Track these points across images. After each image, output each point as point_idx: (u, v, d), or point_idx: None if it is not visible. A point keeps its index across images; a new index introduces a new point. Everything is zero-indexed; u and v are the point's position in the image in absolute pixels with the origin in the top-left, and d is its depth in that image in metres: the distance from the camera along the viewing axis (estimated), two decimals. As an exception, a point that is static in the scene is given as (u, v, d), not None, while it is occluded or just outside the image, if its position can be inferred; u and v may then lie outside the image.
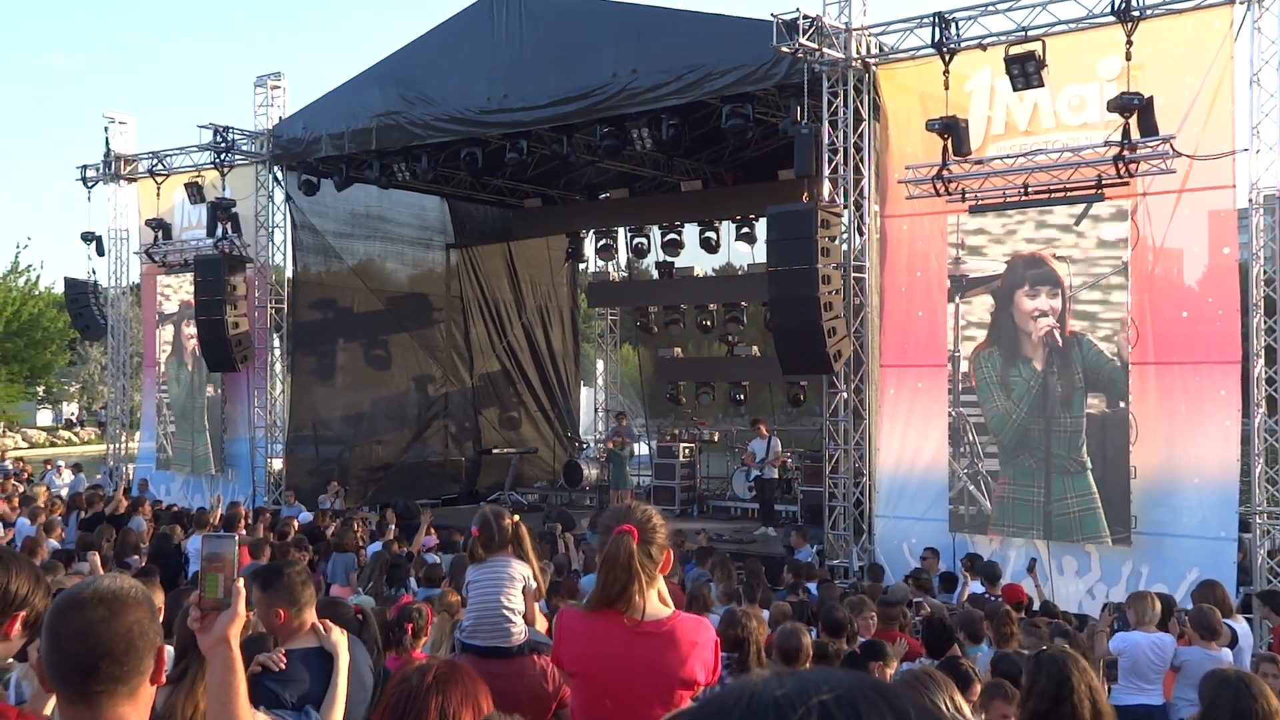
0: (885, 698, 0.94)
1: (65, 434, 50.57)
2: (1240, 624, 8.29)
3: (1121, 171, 11.65)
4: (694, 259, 22.32)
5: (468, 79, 16.88)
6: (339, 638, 3.73)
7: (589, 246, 23.79)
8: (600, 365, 27.15)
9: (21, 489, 18.49)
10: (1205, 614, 7.38)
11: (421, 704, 2.53)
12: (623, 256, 23.62)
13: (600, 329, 27.03)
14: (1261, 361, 11.52)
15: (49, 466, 23.78)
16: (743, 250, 21.13)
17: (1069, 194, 12.24)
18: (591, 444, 24.59)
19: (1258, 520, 11.43)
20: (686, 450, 20.17)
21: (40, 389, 51.96)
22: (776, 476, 17.65)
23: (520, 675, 4.94)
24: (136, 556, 11.45)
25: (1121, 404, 11.90)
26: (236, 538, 2.70)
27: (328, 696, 3.65)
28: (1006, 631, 7.14)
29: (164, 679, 2.36)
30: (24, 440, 46.15)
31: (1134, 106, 11.27)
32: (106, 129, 21.24)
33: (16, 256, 50.29)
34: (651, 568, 3.39)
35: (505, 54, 16.50)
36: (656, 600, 3.41)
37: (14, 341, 43.53)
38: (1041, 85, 11.99)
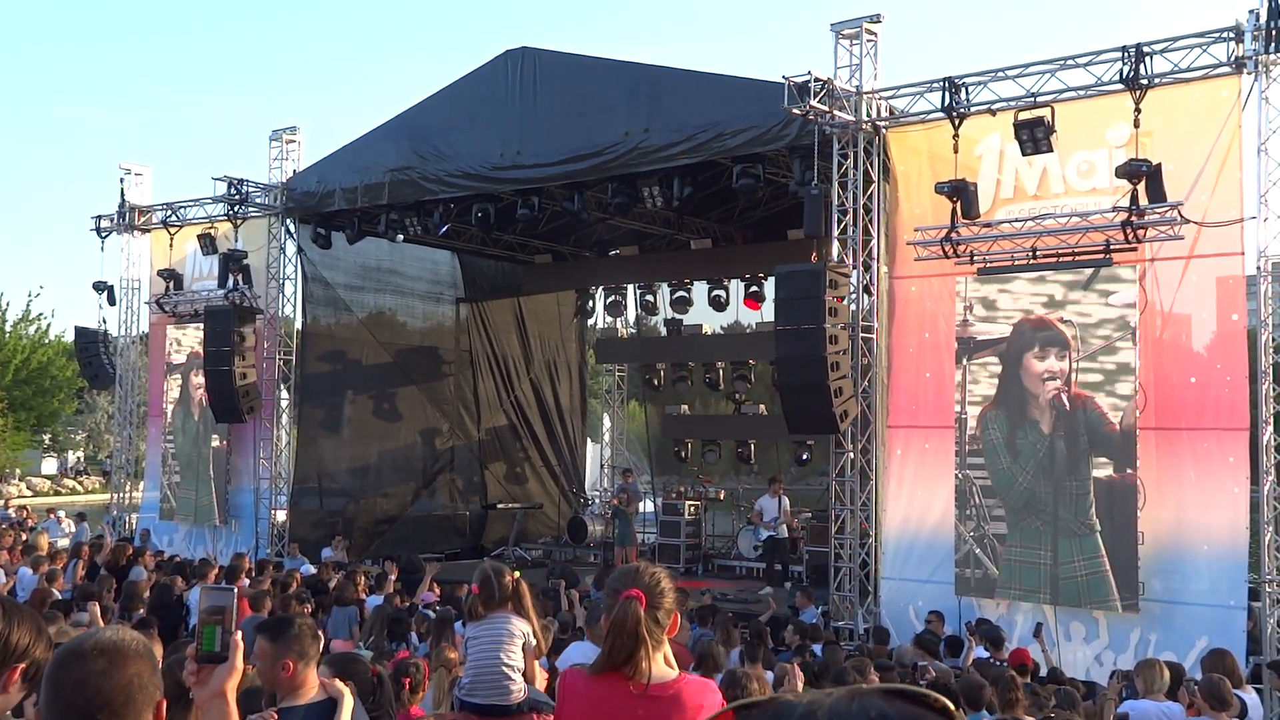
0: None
1: (70, 482, 50.51)
2: (1250, 694, 8.18)
3: (1130, 237, 11.68)
4: (702, 317, 22.39)
5: (481, 135, 17.04)
6: (342, 686, 3.69)
7: (598, 302, 23.88)
8: (607, 421, 27.14)
9: (25, 537, 18.43)
10: (1215, 684, 7.28)
11: None
12: (631, 313, 23.70)
13: (608, 385, 27.04)
14: (1270, 429, 11.45)
15: (51, 515, 23.72)
16: (751, 309, 21.20)
17: (1077, 258, 12.28)
18: (597, 500, 24.51)
19: (1267, 589, 11.31)
20: (692, 508, 20.09)
21: (46, 437, 51.99)
22: (787, 536, 17.52)
23: (520, 734, 4.88)
24: (141, 610, 11.38)
25: (1129, 469, 11.83)
26: (236, 590, 2.69)
27: None
28: (1011, 698, 7.04)
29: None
30: (28, 488, 46.08)
31: (1142, 173, 11.33)
32: (122, 180, 21.44)
33: (28, 305, 50.60)
34: (658, 632, 3.36)
35: (519, 111, 16.68)
36: (662, 663, 3.38)
37: (22, 389, 43.64)
38: (1050, 150, 12.07)
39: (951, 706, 0.92)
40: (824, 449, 15.90)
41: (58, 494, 46.03)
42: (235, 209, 19.22)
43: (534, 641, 5.20)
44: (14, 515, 23.43)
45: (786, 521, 17.37)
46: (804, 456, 19.94)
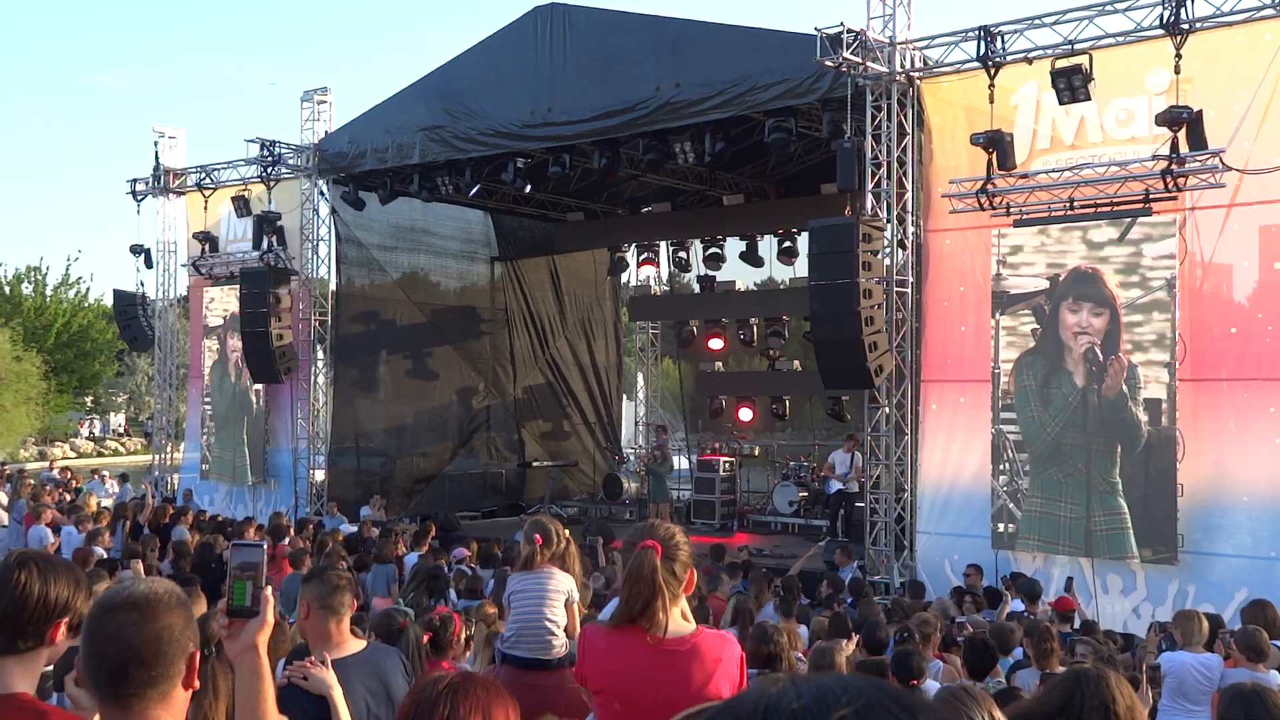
0: (908, 710, 0.90)
1: (112, 443, 51.25)
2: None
3: (1170, 186, 11.51)
4: (735, 273, 22.31)
5: (511, 93, 16.97)
6: (325, 675, 3.70)
7: (631, 260, 23.84)
8: (640, 379, 27.17)
9: (70, 498, 18.75)
10: (1251, 635, 7.23)
11: (427, 712, 2.53)
12: (665, 270, 23.63)
13: (641, 342, 27.05)
14: (1313, 379, 11.31)
15: (95, 476, 24.07)
16: (784, 264, 21.10)
17: (1115, 208, 12.11)
18: (632, 458, 24.58)
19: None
20: (727, 465, 20.11)
21: (89, 399, 52.72)
22: (857, 491, 17.39)
23: (560, 687, 4.94)
24: (182, 564, 11.57)
25: (1167, 421, 11.73)
26: (265, 545, 2.71)
27: None
28: (1046, 648, 7.02)
29: (196, 683, 2.37)
30: (72, 450, 46.80)
31: (1183, 120, 11.14)
32: (156, 143, 21.56)
33: (67, 269, 51.13)
34: (675, 585, 3.38)
35: (548, 68, 16.59)
36: (679, 617, 3.40)
37: (64, 353, 44.21)
38: (1088, 99, 11.88)
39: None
40: (859, 404, 15.84)
41: (100, 455, 46.74)
42: (268, 171, 19.30)
43: (576, 597, 5.25)
44: (58, 476, 23.81)
45: (857, 477, 17.29)
46: (841, 413, 19.87)
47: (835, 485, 17.69)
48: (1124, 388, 11.99)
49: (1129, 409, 11.95)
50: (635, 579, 3.35)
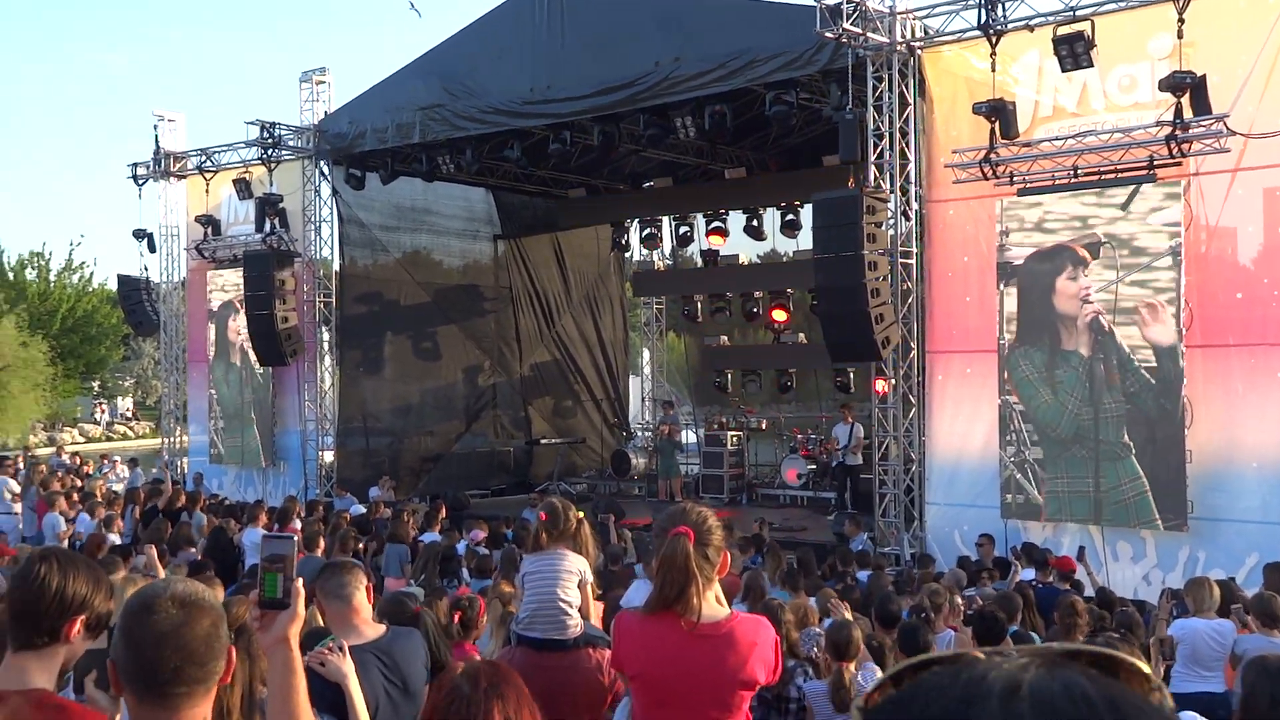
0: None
1: (121, 428, 51.38)
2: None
3: (1174, 151, 11.46)
4: (739, 246, 22.26)
5: (510, 70, 16.92)
6: (341, 663, 3.71)
7: (633, 236, 23.80)
8: (646, 354, 27.16)
9: (80, 484, 18.83)
10: (1266, 601, 7.26)
11: (484, 713, 2.55)
12: (667, 245, 23.60)
13: (645, 318, 27.04)
14: (1320, 342, 11.30)
15: (105, 461, 24.16)
16: (788, 237, 21.07)
17: (1119, 175, 12.07)
18: (639, 433, 24.61)
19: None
20: (734, 438, 20.11)
21: (95, 384, 52.82)
22: (860, 462, 17.42)
23: (575, 668, 4.96)
24: (192, 550, 11.61)
25: (1174, 387, 11.72)
26: (295, 538, 2.73)
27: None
28: (1072, 622, 7.05)
29: (229, 678, 2.40)
30: (81, 435, 46.94)
31: (1186, 85, 11.09)
32: (156, 127, 21.51)
33: (70, 254, 51.07)
34: (708, 569, 3.39)
35: (547, 45, 16.52)
36: (714, 601, 3.41)
37: (70, 338, 44.27)
38: (1091, 66, 11.82)
39: (1145, 668, 0.87)
40: (865, 376, 15.84)
41: (109, 440, 46.86)
42: (269, 153, 19.26)
43: (590, 578, 5.26)
44: (68, 462, 23.90)
45: (854, 449, 17.30)
46: (847, 385, 19.89)
47: (838, 459, 17.76)
48: (1127, 355, 11.98)
49: (1133, 376, 11.95)
50: (669, 566, 3.36)
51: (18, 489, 16.81)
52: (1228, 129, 11.12)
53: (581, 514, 5.46)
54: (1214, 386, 11.66)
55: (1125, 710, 0.80)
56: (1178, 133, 11.31)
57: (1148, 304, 11.93)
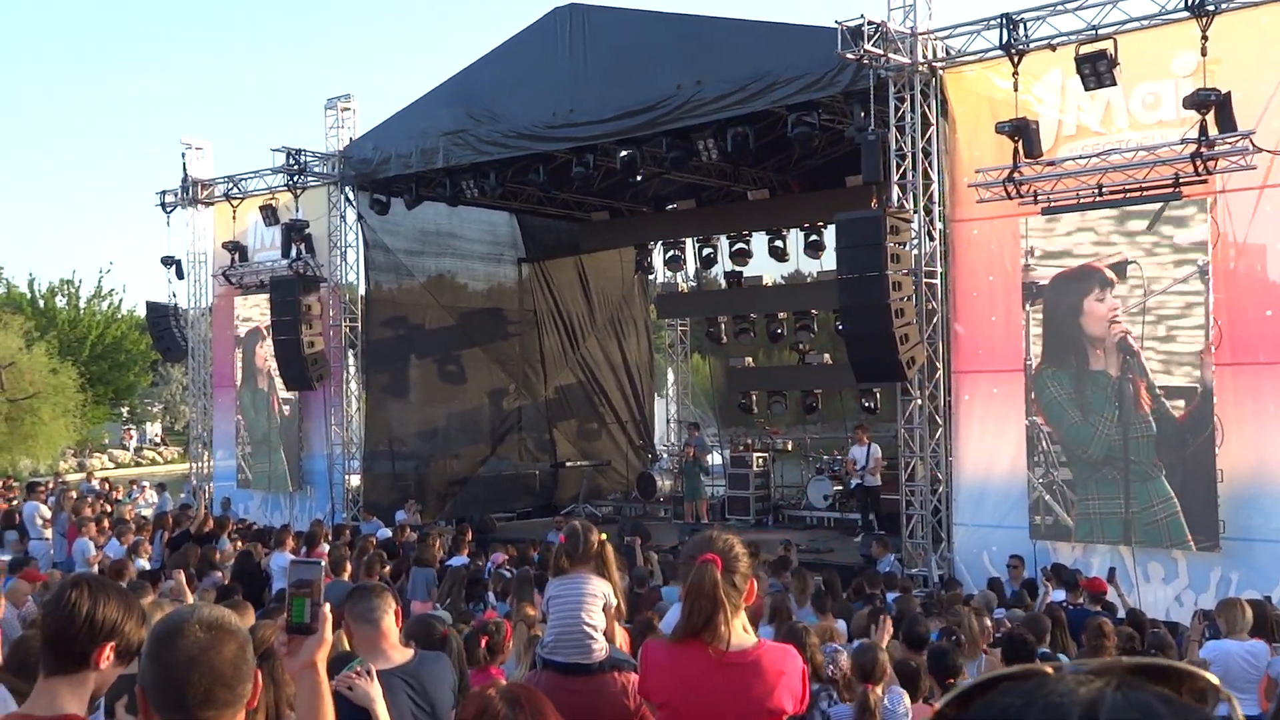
0: None
1: (150, 453, 51.72)
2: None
3: (1199, 169, 11.40)
4: (762, 268, 22.26)
5: (533, 95, 17.02)
6: (369, 688, 3.71)
7: (657, 258, 23.85)
8: (671, 376, 27.16)
9: (110, 509, 18.95)
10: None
11: None
12: (691, 267, 23.63)
13: (670, 339, 27.05)
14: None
15: (134, 486, 24.33)
16: (811, 258, 21.05)
17: (1145, 193, 12.01)
18: (665, 455, 24.58)
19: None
20: (760, 460, 20.06)
21: (125, 410, 53.23)
22: (879, 483, 17.36)
23: (600, 692, 4.94)
24: (219, 574, 11.67)
25: (1204, 406, 11.62)
26: (323, 563, 2.75)
27: None
28: (1100, 644, 6.98)
29: (255, 703, 2.41)
30: (110, 460, 47.28)
31: (1211, 102, 11.04)
32: (184, 155, 21.73)
33: (100, 281, 51.52)
34: (736, 597, 3.38)
35: (569, 69, 16.62)
36: (740, 630, 3.40)
37: (99, 364, 44.66)
38: (1114, 84, 11.79)
39: (1216, 682, 0.86)
40: (891, 396, 15.79)
41: (138, 465, 47.17)
42: (295, 179, 19.42)
43: (614, 602, 5.25)
44: (98, 487, 24.07)
45: (873, 470, 17.23)
46: (870, 405, 19.83)
47: (856, 481, 17.72)
48: (1151, 377, 11.90)
49: (1162, 396, 11.86)
50: (697, 594, 3.35)
51: (49, 514, 16.95)
52: (1254, 145, 11.06)
53: (604, 536, 5.45)
54: (1245, 405, 11.56)
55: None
56: (1203, 150, 11.25)
57: (1176, 323, 11.85)
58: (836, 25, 13.04)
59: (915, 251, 13.64)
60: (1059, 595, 10.42)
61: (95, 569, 11.93)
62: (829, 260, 19.23)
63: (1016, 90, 12.48)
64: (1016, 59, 12.51)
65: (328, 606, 2.63)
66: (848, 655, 6.20)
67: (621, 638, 5.40)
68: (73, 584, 2.86)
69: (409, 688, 4.05)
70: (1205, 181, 11.58)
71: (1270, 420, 11.43)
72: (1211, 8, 11.29)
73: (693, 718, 3.37)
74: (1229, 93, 11.07)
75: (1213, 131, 11.18)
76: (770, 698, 3.32)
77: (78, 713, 2.71)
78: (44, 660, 2.76)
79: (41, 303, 45.73)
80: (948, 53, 13.57)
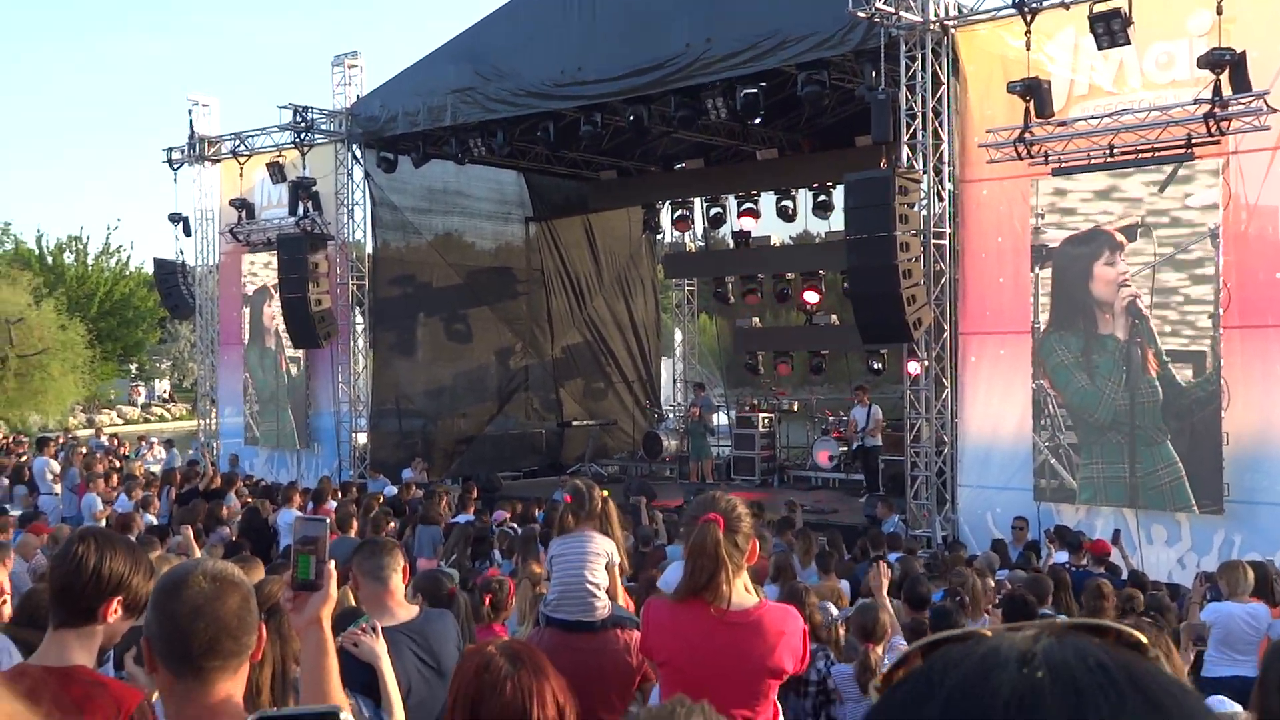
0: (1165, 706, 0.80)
1: (158, 409, 51.95)
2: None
3: (1213, 130, 11.30)
4: (771, 228, 22.19)
5: (541, 53, 16.90)
6: (375, 644, 3.72)
7: (665, 217, 23.76)
8: (678, 335, 27.15)
9: (119, 465, 19.06)
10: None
11: (495, 691, 2.59)
12: (699, 227, 23.55)
13: (677, 299, 27.02)
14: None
15: (142, 442, 24.46)
16: (820, 218, 20.99)
17: (1157, 154, 11.92)
18: (671, 415, 24.62)
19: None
20: (766, 420, 20.08)
21: (133, 366, 53.44)
22: (880, 444, 17.39)
23: (604, 650, 4.99)
24: (226, 530, 11.75)
25: (1212, 370, 11.60)
26: (328, 521, 2.76)
27: (384, 702, 3.65)
28: (1098, 606, 7.01)
29: (260, 656, 2.43)
30: (119, 417, 47.50)
31: (1225, 62, 10.92)
32: (190, 111, 21.66)
33: (107, 238, 51.53)
34: (738, 556, 3.40)
35: (578, 27, 16.49)
36: (742, 590, 3.42)
37: (107, 320, 44.79)
38: (1128, 43, 11.66)
39: (1141, 637, 0.89)
40: (897, 357, 15.78)
41: (147, 421, 47.41)
42: (302, 137, 19.35)
43: (618, 559, 5.28)
44: (107, 443, 24.19)
45: (872, 431, 17.25)
46: (877, 365, 19.82)
47: (857, 442, 17.76)
48: (1159, 342, 11.87)
49: (1166, 364, 11.84)
50: (699, 553, 3.37)
51: (59, 469, 17.05)
52: (1268, 106, 10.95)
53: (607, 493, 5.47)
54: (1253, 368, 11.53)
55: (1135, 670, 0.82)
56: (1216, 110, 11.15)
57: (1186, 287, 11.80)
58: (847, -18, 12.90)
59: (924, 212, 13.57)
60: (1061, 557, 10.46)
61: (103, 524, 12.01)
62: (837, 220, 19.21)
63: (1029, 49, 12.36)
64: (1029, 17, 12.38)
65: (333, 563, 2.65)
66: (843, 617, 6.25)
67: (624, 596, 5.44)
68: (80, 538, 2.88)
69: (414, 644, 4.08)
70: (1218, 143, 11.49)
71: (1277, 383, 11.40)
72: (1227, -34, 11.15)
73: (694, 676, 3.40)
74: (1244, 52, 10.95)
75: (1226, 92, 11.07)
76: (771, 657, 3.34)
77: (85, 664, 2.74)
78: (53, 613, 2.79)
79: (50, 259, 45.81)
80: (960, 11, 13.44)
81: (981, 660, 0.83)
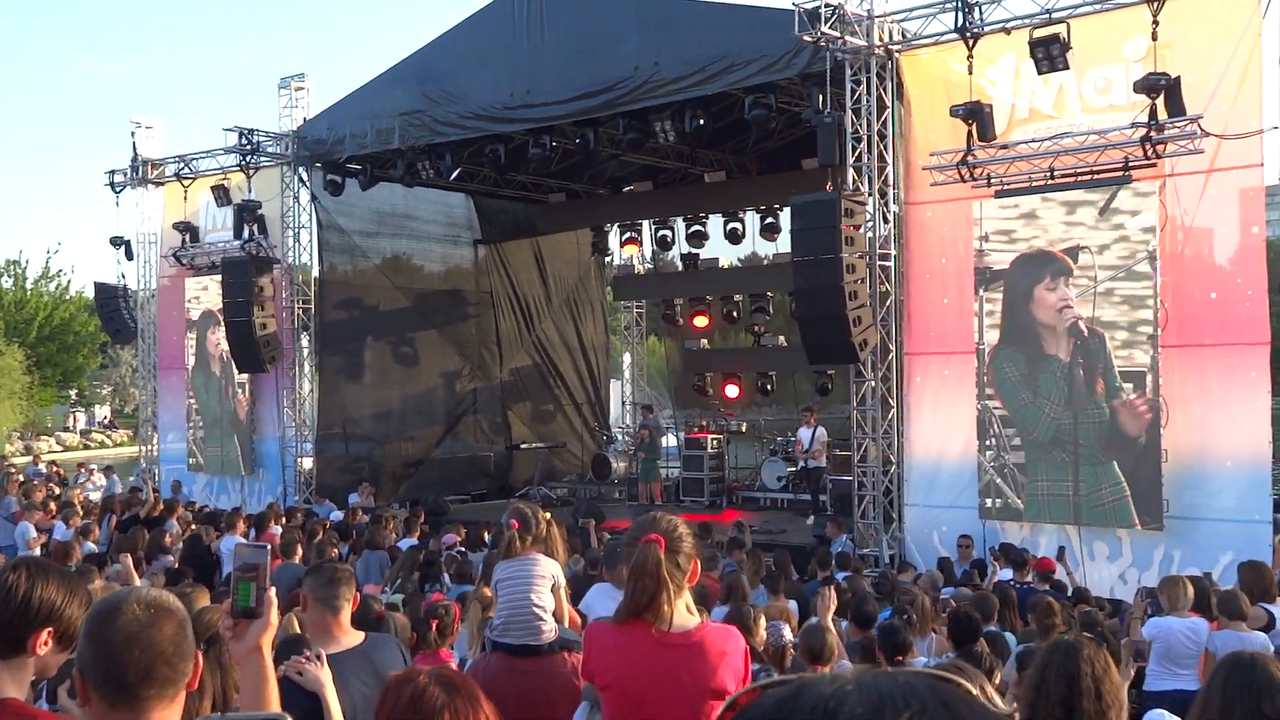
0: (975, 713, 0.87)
1: (99, 436, 51.05)
2: (1279, 608, 8.20)
3: (1149, 153, 11.54)
4: (719, 250, 22.28)
5: (490, 76, 16.90)
6: (319, 673, 3.68)
7: (613, 240, 23.79)
8: (627, 357, 27.16)
9: (58, 492, 18.69)
10: (1231, 598, 7.35)
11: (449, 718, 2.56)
12: (648, 249, 23.60)
13: (626, 321, 27.04)
14: (1292, 342, 11.40)
15: (82, 469, 24.03)
16: (767, 240, 21.11)
17: (1096, 177, 12.14)
18: (620, 437, 24.60)
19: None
20: (715, 441, 20.12)
21: (73, 393, 52.50)
22: (824, 465, 17.48)
23: (551, 673, 4.96)
24: (170, 558, 11.56)
25: (1150, 389, 11.79)
26: (269, 547, 2.73)
27: None
28: (1049, 623, 7.07)
29: (197, 684, 2.39)
30: (58, 444, 46.62)
31: (1161, 87, 11.16)
32: (134, 133, 21.39)
33: (47, 262, 50.62)
34: (679, 577, 3.40)
35: (527, 49, 16.52)
36: (684, 610, 3.42)
37: (46, 346, 43.99)
38: (1066, 68, 11.89)
39: (974, 689, 0.91)
40: (845, 378, 15.89)
41: (87, 448, 46.56)
42: (247, 159, 19.18)
43: (563, 581, 5.27)
44: (45, 471, 23.72)
45: (816, 453, 17.35)
46: (825, 386, 19.94)
47: (801, 463, 17.87)
48: (1107, 359, 12.06)
49: (1111, 385, 12.03)
50: (640, 574, 3.36)
51: (-6, 498, 16.67)
52: (1202, 130, 11.19)
53: (549, 515, 5.46)
54: (1190, 386, 11.74)
55: (942, 688, 0.88)
56: (1152, 134, 11.38)
57: (1126, 308, 12.00)
58: (794, 7, 13.04)
59: (869, 234, 13.71)
60: (1006, 574, 10.55)
61: (38, 552, 11.76)
62: (784, 243, 19.32)
63: (971, 74, 12.55)
64: (971, 42, 12.58)
65: (273, 591, 2.61)
66: (790, 634, 6.26)
67: (570, 618, 5.41)
68: (12, 567, 2.81)
69: (360, 670, 4.03)
70: (1154, 165, 11.72)
71: (1214, 401, 11.62)
72: (1162, -7, 11.40)
73: (637, 698, 3.38)
74: (1179, 77, 11.20)
75: (1162, 116, 11.30)
76: (713, 678, 3.34)
77: (16, 697, 2.67)
78: (-16, 644, 2.71)
79: (-13, 283, 44.96)
80: (904, 36, 13.62)
81: (797, 688, 0.91)
